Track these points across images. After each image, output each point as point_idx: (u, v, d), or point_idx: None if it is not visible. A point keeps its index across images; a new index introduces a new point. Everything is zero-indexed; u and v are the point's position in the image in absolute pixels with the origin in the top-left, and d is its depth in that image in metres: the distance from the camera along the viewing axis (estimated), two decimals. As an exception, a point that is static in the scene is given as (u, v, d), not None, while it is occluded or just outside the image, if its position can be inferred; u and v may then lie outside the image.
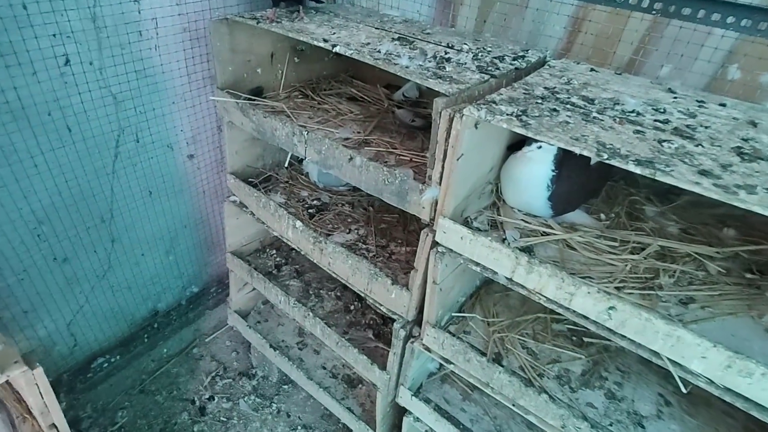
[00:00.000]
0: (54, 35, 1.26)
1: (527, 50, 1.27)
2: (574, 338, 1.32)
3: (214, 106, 1.70)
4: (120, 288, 1.80)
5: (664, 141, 0.82)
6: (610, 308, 0.88)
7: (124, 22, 1.38)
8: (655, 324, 0.83)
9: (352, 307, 1.79)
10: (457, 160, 0.94)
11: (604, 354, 1.28)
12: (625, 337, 0.89)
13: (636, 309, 0.85)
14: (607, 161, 0.75)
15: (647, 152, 0.78)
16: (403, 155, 1.33)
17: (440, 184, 1.03)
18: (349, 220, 1.63)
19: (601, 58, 1.30)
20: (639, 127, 0.88)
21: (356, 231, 1.57)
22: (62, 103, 1.34)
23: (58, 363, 1.74)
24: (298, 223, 1.47)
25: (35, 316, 1.57)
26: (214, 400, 1.91)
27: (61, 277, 1.58)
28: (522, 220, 1.13)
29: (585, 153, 0.77)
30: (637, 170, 0.73)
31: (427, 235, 1.13)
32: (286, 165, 1.83)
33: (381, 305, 1.36)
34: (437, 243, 1.10)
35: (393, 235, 1.58)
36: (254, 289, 1.88)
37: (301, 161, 1.86)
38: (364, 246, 1.50)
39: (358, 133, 1.43)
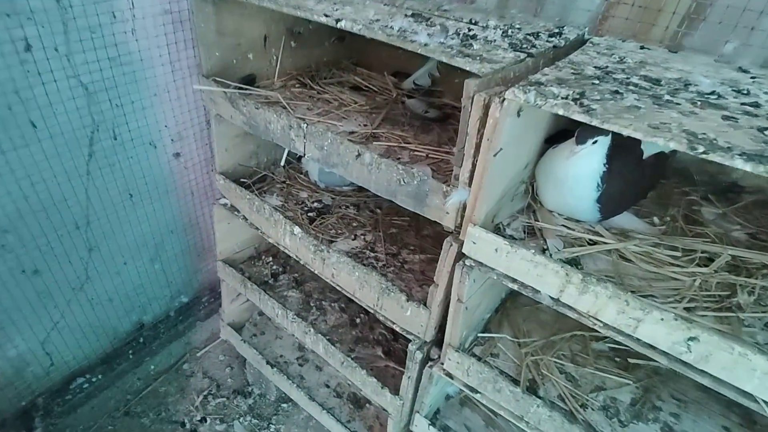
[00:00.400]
0: (8, 15, 1.08)
1: (562, 26, 1.09)
2: (617, 359, 1.14)
3: (202, 97, 1.52)
4: (100, 300, 1.64)
5: (766, 129, 0.65)
6: (690, 339, 0.70)
7: (93, 1, 1.20)
8: (753, 360, 0.66)
9: (358, 321, 1.62)
10: (495, 155, 0.76)
11: (654, 378, 1.11)
12: (706, 373, 0.72)
13: (726, 341, 0.68)
14: (703, 156, 0.58)
15: (749, 143, 0.60)
16: (417, 151, 1.16)
17: (470, 185, 0.85)
18: (355, 224, 1.45)
19: (646, 34, 1.12)
20: (725, 112, 0.70)
21: (363, 237, 1.39)
22: (24, 95, 1.18)
23: (33, 385, 1.59)
24: (297, 229, 1.30)
25: (3, 334, 1.41)
26: (206, 421, 1.75)
27: (31, 291, 1.42)
28: (563, 225, 0.95)
29: (672, 145, 0.59)
30: (747, 167, 0.56)
31: (451, 245, 0.95)
32: (282, 163, 1.65)
33: (394, 323, 1.18)
34: (464, 255, 0.92)
35: (405, 240, 1.40)
36: (249, 299, 1.71)
37: (299, 159, 1.68)
38: (372, 254, 1.33)
39: (365, 126, 1.25)
